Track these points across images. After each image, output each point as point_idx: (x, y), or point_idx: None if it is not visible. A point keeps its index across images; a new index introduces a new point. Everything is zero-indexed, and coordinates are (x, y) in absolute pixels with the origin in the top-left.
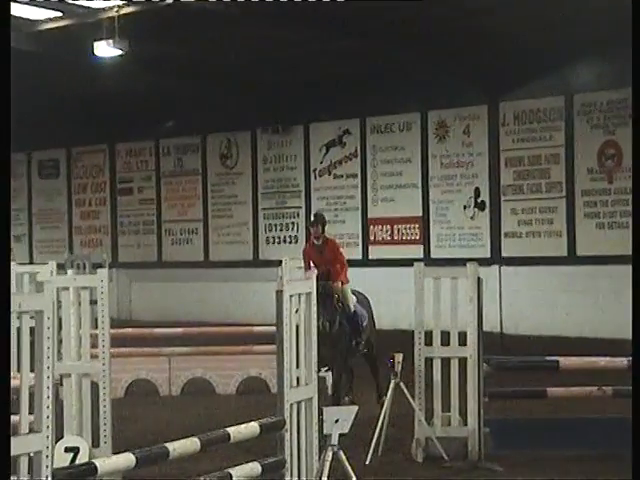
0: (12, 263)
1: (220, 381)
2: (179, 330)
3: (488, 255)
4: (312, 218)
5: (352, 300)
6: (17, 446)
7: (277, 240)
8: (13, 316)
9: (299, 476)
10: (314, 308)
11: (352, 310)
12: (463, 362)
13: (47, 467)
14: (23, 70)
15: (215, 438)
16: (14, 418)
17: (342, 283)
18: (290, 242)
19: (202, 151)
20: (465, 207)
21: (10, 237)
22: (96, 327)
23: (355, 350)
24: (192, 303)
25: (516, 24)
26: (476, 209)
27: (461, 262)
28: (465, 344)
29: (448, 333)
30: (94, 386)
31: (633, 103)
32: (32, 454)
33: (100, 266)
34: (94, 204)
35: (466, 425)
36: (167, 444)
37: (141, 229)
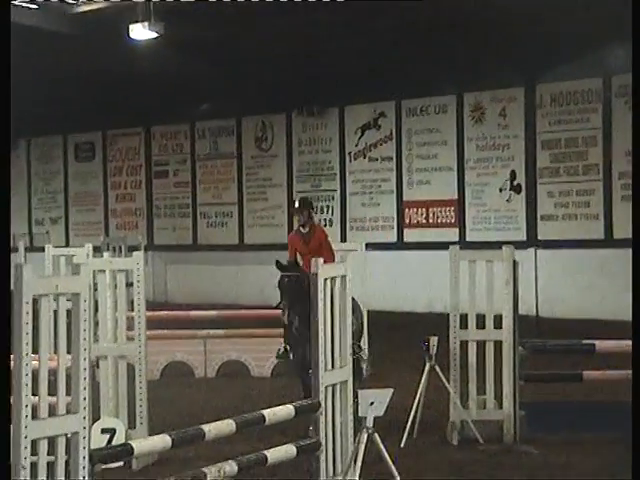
0: (49, 246)
1: (255, 363)
2: (214, 312)
3: (524, 238)
4: (296, 203)
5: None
6: (55, 427)
7: None
8: (50, 298)
9: (334, 458)
10: (349, 291)
11: None
12: (498, 345)
13: (84, 448)
14: (59, 53)
15: (250, 420)
16: (51, 399)
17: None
18: (325, 225)
19: (237, 134)
20: (501, 190)
21: (10, 234)
22: (132, 309)
23: None
24: (227, 286)
25: (552, 5)
26: (512, 192)
27: (497, 245)
28: (500, 327)
29: (483, 316)
30: (130, 368)
31: (633, 102)
32: (69, 435)
33: (136, 249)
34: (130, 187)
35: (501, 408)
36: (203, 426)
37: (176, 212)
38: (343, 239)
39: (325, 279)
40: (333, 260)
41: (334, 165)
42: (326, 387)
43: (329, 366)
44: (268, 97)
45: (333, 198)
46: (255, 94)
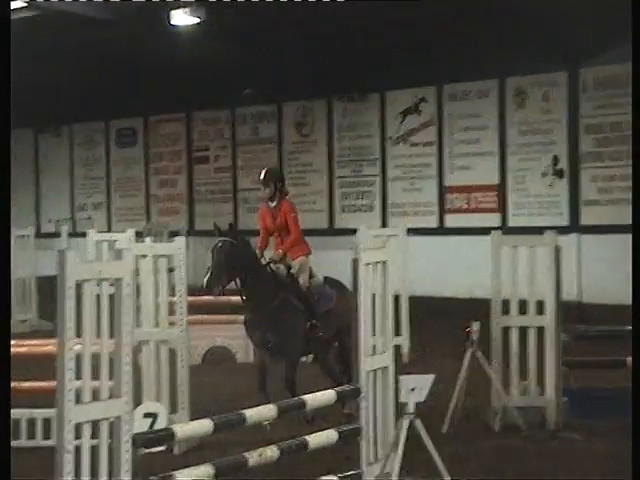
0: (91, 231)
1: None
2: None
3: (567, 223)
4: (261, 174)
5: (308, 275)
6: (98, 411)
7: (352, 208)
8: (92, 283)
9: (375, 444)
10: (390, 276)
11: (305, 286)
12: (541, 331)
13: (127, 432)
14: (101, 40)
15: (291, 405)
16: (94, 384)
17: (285, 253)
18: (365, 210)
19: (278, 119)
20: (543, 175)
21: (10, 228)
22: (173, 295)
23: (313, 334)
24: None
25: None
26: (554, 177)
27: (539, 231)
28: (543, 313)
29: (525, 302)
30: (172, 353)
31: (633, 102)
32: (112, 419)
33: (177, 234)
34: (171, 172)
35: (544, 394)
36: (244, 411)
37: (217, 197)
38: (384, 224)
39: (367, 264)
40: (295, 238)
41: (375, 150)
42: (367, 372)
43: (370, 351)
44: (309, 82)
45: (374, 184)
46: (296, 79)
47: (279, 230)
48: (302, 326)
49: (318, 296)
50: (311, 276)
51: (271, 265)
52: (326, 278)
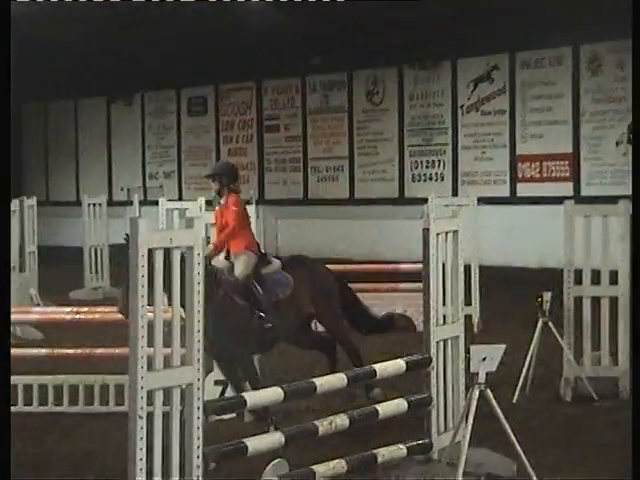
0: (162, 199)
1: None
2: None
3: None
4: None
5: (250, 268)
6: (170, 378)
7: (423, 178)
8: (162, 251)
9: (445, 414)
10: (461, 246)
11: (241, 276)
12: (614, 301)
13: (198, 399)
14: (171, 10)
15: (361, 374)
16: (166, 351)
17: (217, 247)
18: (436, 180)
19: (348, 88)
20: (617, 143)
21: (9, 217)
22: None
23: (260, 325)
24: (337, 240)
25: None
26: (629, 145)
27: (613, 200)
28: (616, 283)
29: (598, 272)
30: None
31: (633, 101)
32: (184, 386)
33: (247, 202)
34: (241, 141)
35: (617, 365)
36: (314, 379)
37: (287, 166)
38: (455, 194)
39: (437, 233)
40: (230, 232)
41: (446, 119)
42: (437, 342)
43: (440, 321)
44: (380, 50)
45: (444, 152)
46: (367, 47)
47: (222, 229)
48: (245, 322)
49: (271, 285)
50: (264, 264)
51: (211, 264)
52: (291, 258)
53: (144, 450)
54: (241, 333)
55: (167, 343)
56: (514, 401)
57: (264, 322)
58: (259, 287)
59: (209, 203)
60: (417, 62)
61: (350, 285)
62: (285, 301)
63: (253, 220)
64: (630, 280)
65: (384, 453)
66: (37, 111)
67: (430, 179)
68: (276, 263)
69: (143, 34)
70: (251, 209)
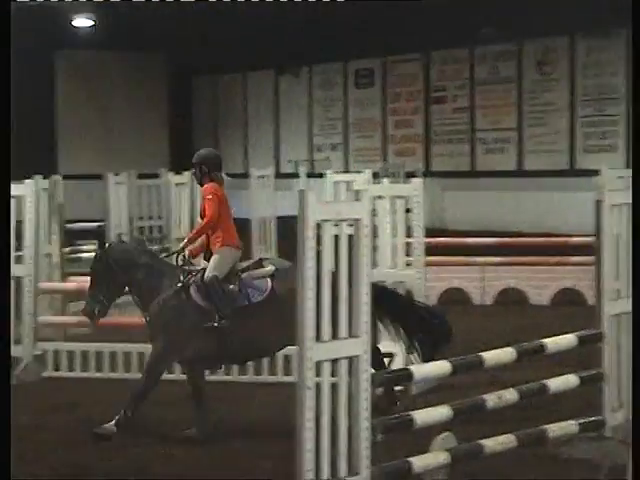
0: (329, 172)
1: (533, 292)
2: (492, 240)
3: None
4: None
5: (226, 268)
6: (337, 350)
7: (595, 149)
8: (331, 224)
9: (618, 391)
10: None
11: (210, 276)
12: None
13: (365, 371)
14: None
15: (531, 349)
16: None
17: (189, 239)
18: (609, 151)
19: (518, 58)
20: None
21: (9, 216)
22: (410, 236)
23: (221, 325)
24: (505, 213)
25: None
26: None
27: None
28: None
29: None
30: (408, 293)
31: (633, 102)
32: (351, 358)
33: (413, 175)
34: (408, 113)
35: None
36: (483, 353)
37: (454, 138)
38: (627, 165)
39: (612, 205)
40: (202, 228)
41: (620, 89)
42: (610, 317)
43: (613, 295)
44: (551, 20)
45: (618, 123)
46: (538, 16)
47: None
48: (195, 327)
49: (246, 289)
50: (256, 267)
51: (180, 260)
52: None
53: (312, 421)
54: (183, 337)
55: (334, 315)
56: None
57: (222, 323)
58: (232, 287)
59: (375, 175)
60: (590, 31)
61: (519, 258)
62: (256, 306)
63: (420, 193)
64: None
65: (555, 429)
66: (209, 83)
67: (603, 150)
68: (268, 270)
69: (310, 5)
70: (418, 182)
